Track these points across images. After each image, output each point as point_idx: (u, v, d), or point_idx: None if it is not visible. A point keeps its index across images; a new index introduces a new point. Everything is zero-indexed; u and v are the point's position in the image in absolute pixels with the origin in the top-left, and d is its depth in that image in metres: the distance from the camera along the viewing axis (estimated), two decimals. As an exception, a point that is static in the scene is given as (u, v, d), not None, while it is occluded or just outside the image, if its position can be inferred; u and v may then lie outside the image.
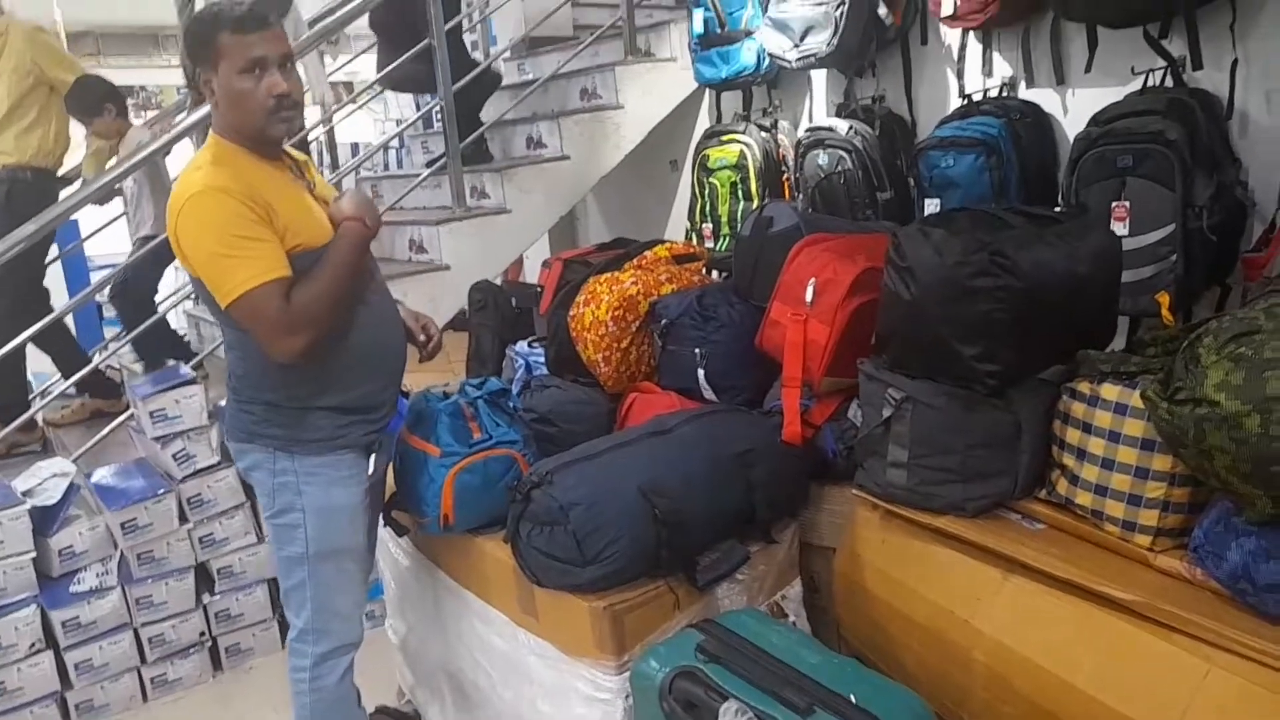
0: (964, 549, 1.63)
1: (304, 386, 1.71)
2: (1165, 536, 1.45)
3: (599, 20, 3.93)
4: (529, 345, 2.58)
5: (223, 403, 2.70)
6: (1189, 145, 1.97)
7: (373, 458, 1.84)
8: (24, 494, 2.48)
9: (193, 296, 3.84)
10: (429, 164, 3.67)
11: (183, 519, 2.56)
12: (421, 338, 1.97)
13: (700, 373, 2.09)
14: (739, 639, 1.44)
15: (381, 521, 2.04)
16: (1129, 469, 1.45)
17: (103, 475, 2.63)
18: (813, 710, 1.24)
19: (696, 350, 2.08)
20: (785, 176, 3.17)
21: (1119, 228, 2.03)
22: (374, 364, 1.81)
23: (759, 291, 2.08)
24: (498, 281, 3.31)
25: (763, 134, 3.21)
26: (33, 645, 2.38)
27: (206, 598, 2.62)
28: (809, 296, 1.89)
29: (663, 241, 2.47)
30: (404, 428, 2.13)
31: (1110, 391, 1.48)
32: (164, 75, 8.23)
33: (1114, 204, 2.06)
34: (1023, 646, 1.48)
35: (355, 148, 6.64)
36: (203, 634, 2.62)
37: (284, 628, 2.50)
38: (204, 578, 2.63)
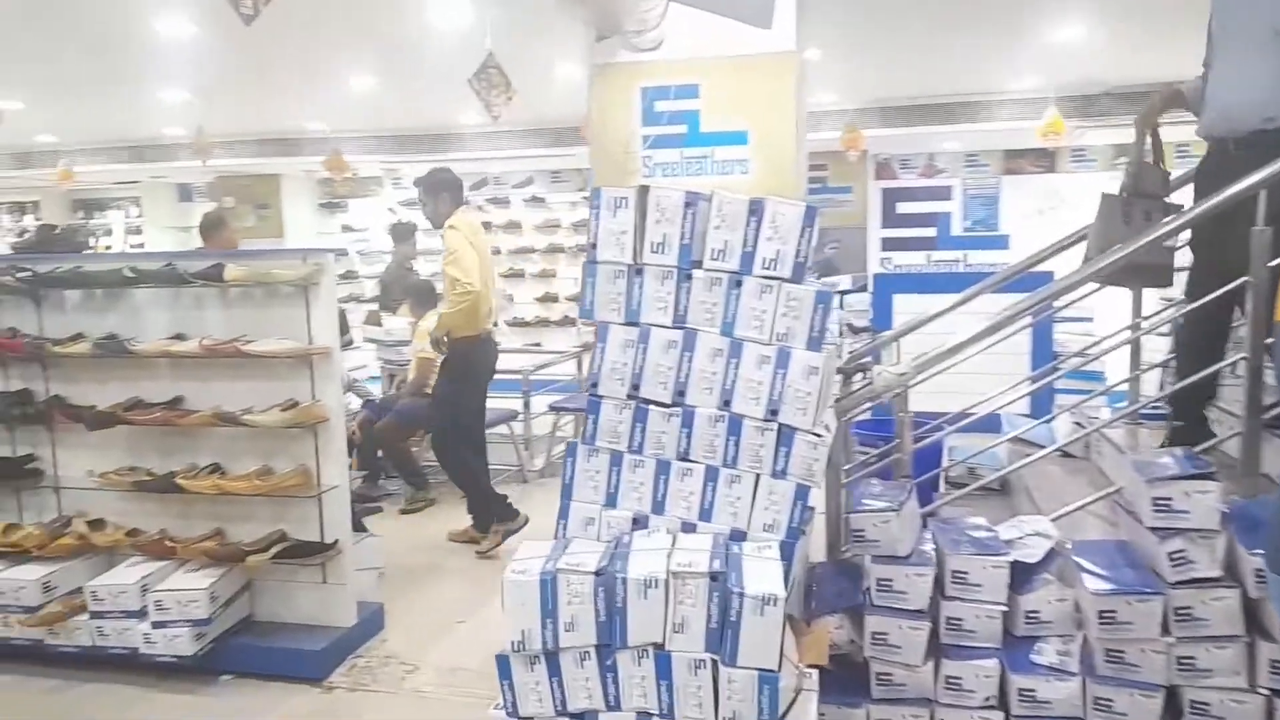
0: None
1: None
2: None
3: None
4: None
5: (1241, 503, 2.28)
6: None
7: None
8: (1006, 543, 2.47)
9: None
10: None
11: (1165, 630, 2.20)
12: None
13: None
14: None
15: None
16: None
17: (1085, 549, 2.44)
18: None
19: None
20: None
21: None
22: None
23: None
24: None
25: None
26: (987, 699, 2.33)
27: (1170, 731, 2.23)
28: None
29: None
30: None
31: None
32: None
33: None
34: None
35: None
36: (1157, 770, 2.24)
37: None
38: (1172, 705, 2.24)
